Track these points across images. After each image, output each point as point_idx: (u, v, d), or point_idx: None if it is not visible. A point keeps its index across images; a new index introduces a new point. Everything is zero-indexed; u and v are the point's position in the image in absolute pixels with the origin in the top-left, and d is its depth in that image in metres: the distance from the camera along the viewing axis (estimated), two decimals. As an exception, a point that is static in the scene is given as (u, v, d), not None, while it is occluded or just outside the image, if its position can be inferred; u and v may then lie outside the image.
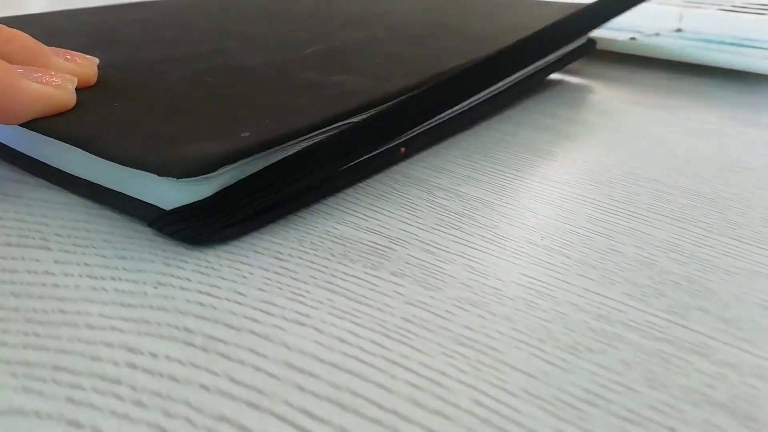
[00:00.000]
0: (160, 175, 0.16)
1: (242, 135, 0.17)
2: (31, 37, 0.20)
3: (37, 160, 0.20)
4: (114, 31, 0.30)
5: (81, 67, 0.21)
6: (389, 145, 0.22)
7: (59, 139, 0.18)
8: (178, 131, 0.18)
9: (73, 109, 0.19)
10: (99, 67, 0.21)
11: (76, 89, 0.19)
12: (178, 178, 0.16)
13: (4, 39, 0.19)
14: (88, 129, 0.18)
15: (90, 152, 0.17)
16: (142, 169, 0.16)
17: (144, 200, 0.17)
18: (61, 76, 0.19)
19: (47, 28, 0.30)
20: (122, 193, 0.18)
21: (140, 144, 0.17)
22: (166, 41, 0.27)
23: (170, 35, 0.28)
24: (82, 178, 0.19)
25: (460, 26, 0.29)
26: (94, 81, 0.21)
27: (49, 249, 0.17)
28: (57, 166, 0.20)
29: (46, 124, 0.18)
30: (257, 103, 0.20)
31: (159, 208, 0.17)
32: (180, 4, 0.37)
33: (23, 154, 0.20)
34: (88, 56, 0.21)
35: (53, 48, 0.21)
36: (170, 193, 0.17)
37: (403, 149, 0.22)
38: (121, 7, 0.36)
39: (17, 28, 0.20)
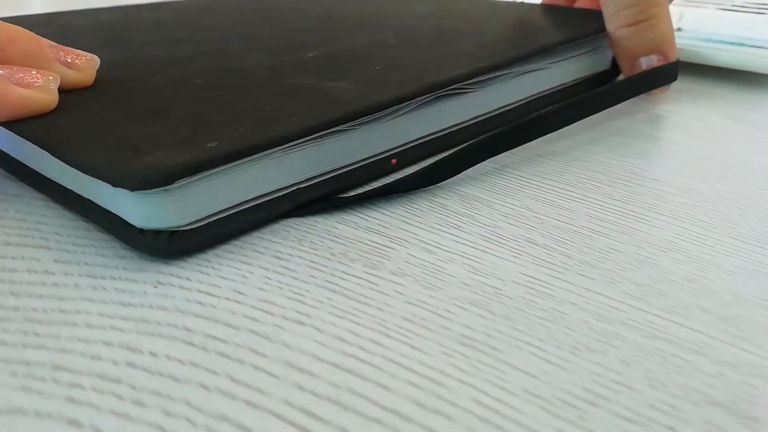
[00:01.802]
0: (114, 185, 0.15)
1: (209, 145, 0.16)
2: (31, 33, 0.20)
3: (17, 160, 0.20)
4: (127, 30, 0.29)
5: (78, 70, 0.20)
6: (379, 157, 0.21)
7: (30, 141, 0.17)
8: (145, 138, 0.17)
9: (53, 110, 0.18)
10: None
11: (66, 91, 0.19)
12: (132, 191, 0.15)
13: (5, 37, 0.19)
14: (58, 132, 0.17)
15: (55, 156, 0.16)
16: (98, 178, 0.15)
17: (111, 210, 0.17)
18: (43, 74, 0.18)
19: (63, 26, 0.30)
20: (92, 202, 0.17)
21: (102, 151, 0.16)
22: (174, 41, 0.27)
23: (180, 35, 0.28)
24: (57, 183, 0.18)
25: (472, 32, 0.29)
26: (91, 82, 0.21)
27: (48, 248, 0.17)
28: (36, 169, 0.19)
29: (20, 124, 0.18)
30: (238, 109, 0.19)
31: (123, 219, 0.16)
32: (203, 3, 0.37)
33: (6, 154, 0.20)
34: (89, 55, 0.21)
35: (54, 45, 0.20)
36: (132, 205, 0.16)
37: (394, 161, 0.22)
38: (143, 7, 0.36)
39: (36, 26, 0.20)
